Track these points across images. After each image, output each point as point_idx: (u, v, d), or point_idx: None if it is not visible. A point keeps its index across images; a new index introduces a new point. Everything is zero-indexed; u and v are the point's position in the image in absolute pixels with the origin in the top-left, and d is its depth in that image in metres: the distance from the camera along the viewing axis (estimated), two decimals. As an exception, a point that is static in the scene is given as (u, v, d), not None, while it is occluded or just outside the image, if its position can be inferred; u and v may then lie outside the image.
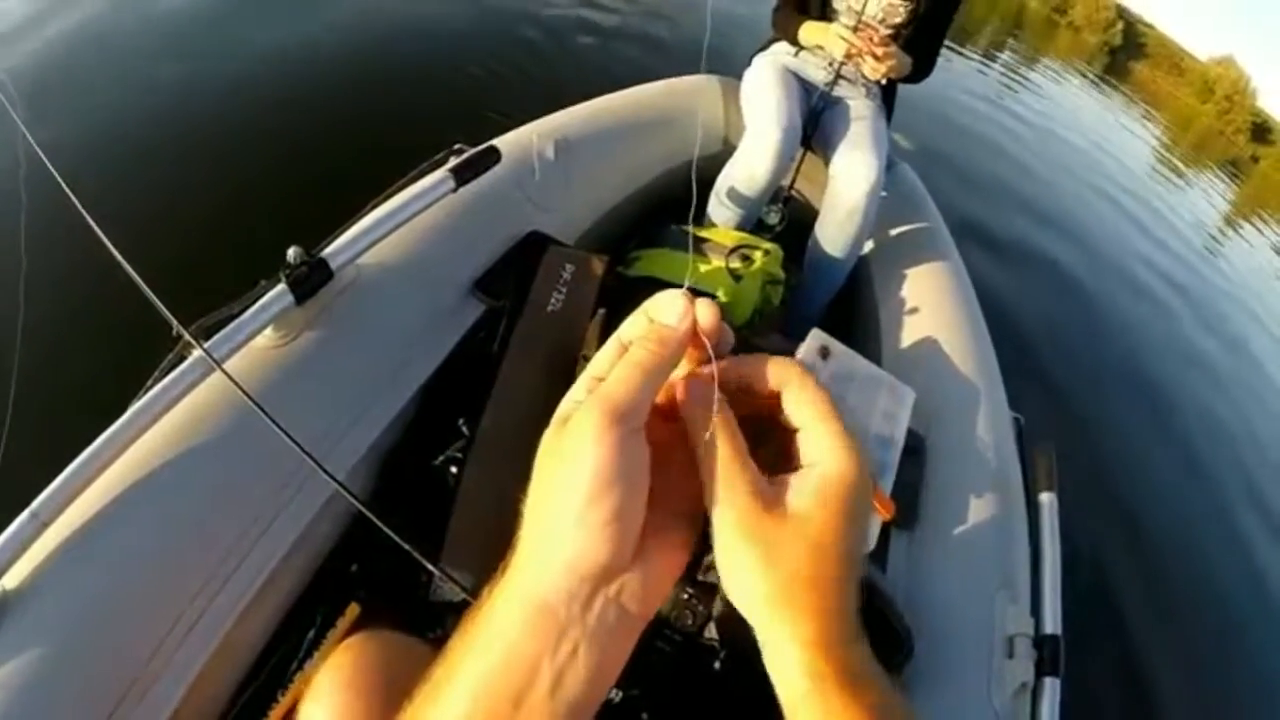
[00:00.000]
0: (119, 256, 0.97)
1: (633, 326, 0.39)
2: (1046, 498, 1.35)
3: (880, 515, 1.20)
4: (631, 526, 0.35)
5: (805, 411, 0.38)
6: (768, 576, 0.36)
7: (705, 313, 0.37)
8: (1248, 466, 3.71)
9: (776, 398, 0.39)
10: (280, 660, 1.07)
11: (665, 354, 0.37)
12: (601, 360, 0.39)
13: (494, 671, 0.34)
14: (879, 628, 1.08)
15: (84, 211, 1.01)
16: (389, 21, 3.68)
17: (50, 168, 1.06)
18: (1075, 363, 3.64)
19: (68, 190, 1.03)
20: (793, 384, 0.39)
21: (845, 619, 0.36)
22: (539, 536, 0.36)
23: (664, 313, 0.38)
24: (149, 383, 0.96)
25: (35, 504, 0.83)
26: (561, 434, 0.35)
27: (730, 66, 2.32)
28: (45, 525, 0.84)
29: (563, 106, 1.94)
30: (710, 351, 0.38)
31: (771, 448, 0.40)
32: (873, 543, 1.18)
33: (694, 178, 2.10)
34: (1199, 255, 7.20)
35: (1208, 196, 12.51)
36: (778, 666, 0.36)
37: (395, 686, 0.37)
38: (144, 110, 2.64)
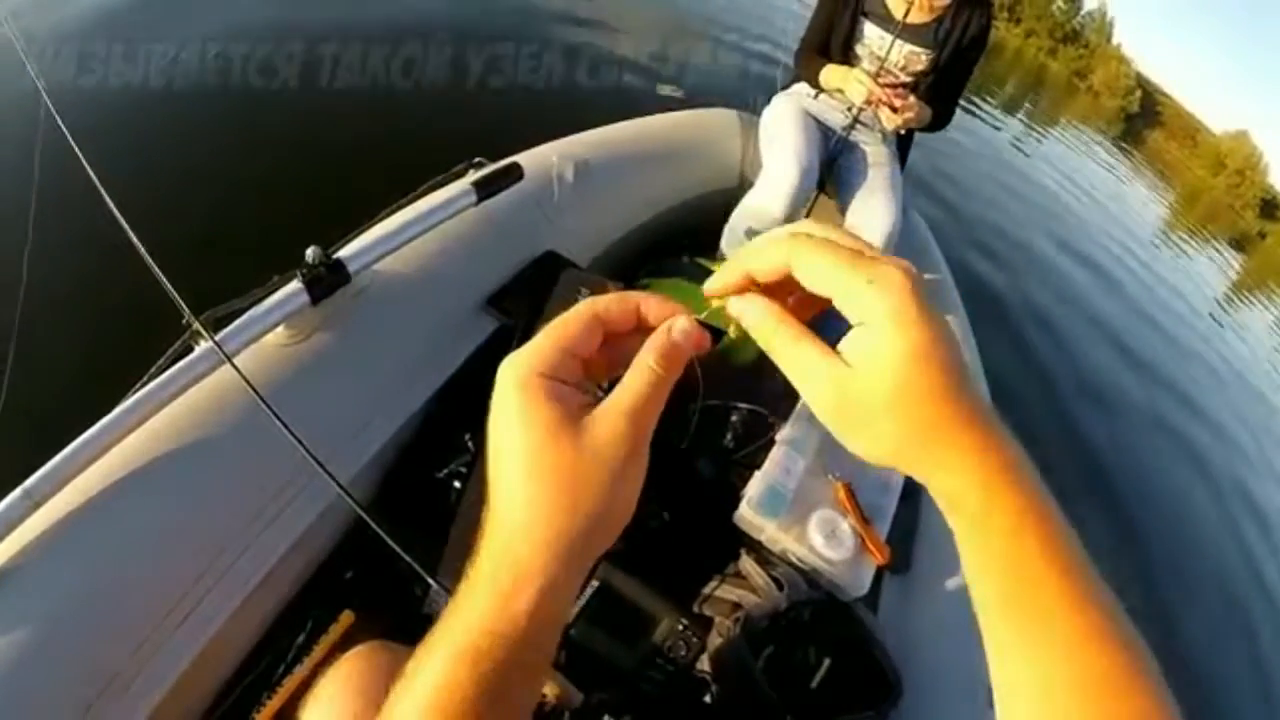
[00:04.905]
0: (133, 236, 0.96)
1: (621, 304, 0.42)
2: None
3: (875, 560, 1.19)
4: (627, 517, 0.38)
5: (820, 287, 0.37)
6: (881, 438, 0.36)
7: (706, 342, 0.41)
8: (1249, 514, 3.73)
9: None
10: (268, 664, 1.05)
11: (673, 372, 0.39)
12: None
13: (467, 632, 0.35)
14: (868, 670, 1.07)
15: (100, 186, 1.00)
16: (423, 30, 3.71)
17: (66, 133, 1.05)
18: (1070, 413, 3.66)
19: (84, 160, 1.02)
20: (810, 272, 0.38)
21: (987, 425, 0.36)
22: (527, 513, 0.37)
23: (674, 326, 0.40)
24: (153, 369, 0.95)
25: (29, 483, 0.82)
26: (582, 430, 0.37)
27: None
28: (37, 506, 0.83)
29: (582, 129, 1.94)
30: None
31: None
32: (866, 587, 1.17)
33: None
34: (1198, 317, 7.27)
35: (1213, 267, 12.62)
36: (946, 501, 0.37)
37: None
38: (168, 91, 2.64)
